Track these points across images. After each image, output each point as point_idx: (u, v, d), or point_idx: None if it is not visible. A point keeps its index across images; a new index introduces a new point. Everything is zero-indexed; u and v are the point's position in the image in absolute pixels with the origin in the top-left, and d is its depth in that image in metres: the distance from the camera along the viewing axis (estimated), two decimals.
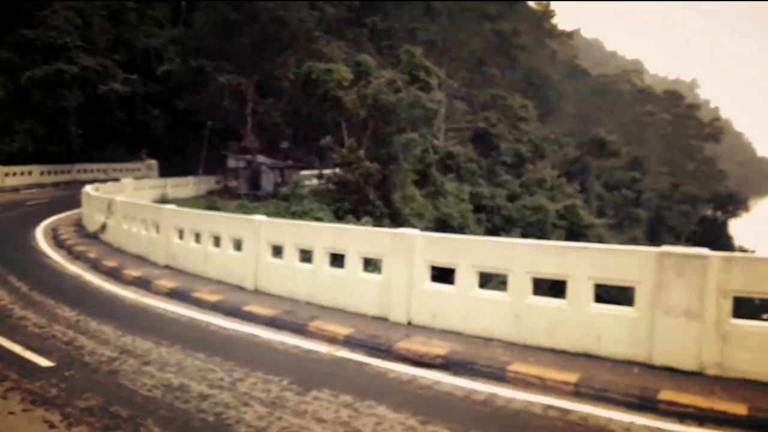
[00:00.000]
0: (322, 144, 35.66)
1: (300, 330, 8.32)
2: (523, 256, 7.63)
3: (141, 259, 13.79)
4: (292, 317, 8.79)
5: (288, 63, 40.48)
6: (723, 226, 75.96)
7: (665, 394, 5.72)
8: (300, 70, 37.50)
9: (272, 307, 9.35)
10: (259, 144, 39.15)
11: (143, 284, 11.39)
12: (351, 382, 6.45)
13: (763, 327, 6.47)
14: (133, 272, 12.18)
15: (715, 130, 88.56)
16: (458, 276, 8.05)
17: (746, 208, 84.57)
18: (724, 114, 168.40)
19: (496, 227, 42.59)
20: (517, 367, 6.55)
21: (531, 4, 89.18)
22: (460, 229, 34.93)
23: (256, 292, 10.50)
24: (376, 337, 7.79)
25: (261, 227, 10.68)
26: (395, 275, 8.58)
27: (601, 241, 42.04)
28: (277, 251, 10.51)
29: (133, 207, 15.77)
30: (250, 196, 35.73)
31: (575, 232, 43.57)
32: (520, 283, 7.50)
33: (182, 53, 40.42)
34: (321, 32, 43.46)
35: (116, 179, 30.68)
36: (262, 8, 37.57)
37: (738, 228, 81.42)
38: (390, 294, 8.62)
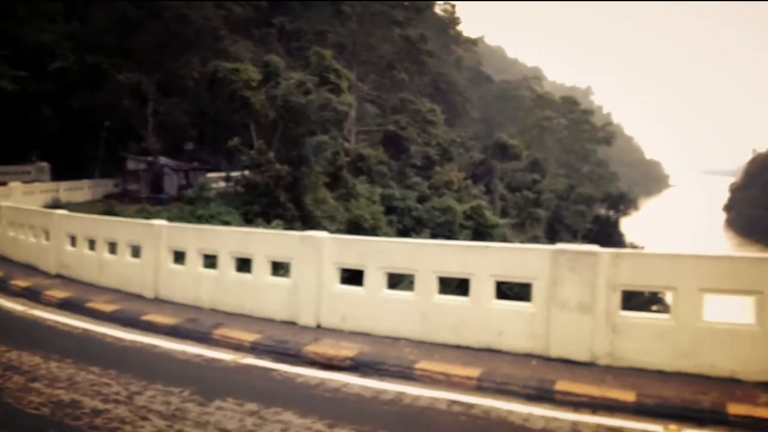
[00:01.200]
0: (230, 145, 34.86)
1: (204, 338, 8.04)
2: (429, 256, 7.77)
3: (30, 268, 12.89)
4: (196, 325, 8.48)
5: (192, 62, 39.19)
6: (615, 224, 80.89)
7: (561, 385, 6.00)
8: (205, 69, 36.47)
9: (174, 315, 8.97)
10: (161, 145, 37.62)
11: (32, 295, 10.61)
12: (257, 389, 6.30)
13: (647, 318, 6.94)
14: (20, 282, 11.33)
15: (607, 134, 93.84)
16: (367, 277, 8.07)
17: (636, 207, 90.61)
18: (615, 119, 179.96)
19: (407, 228, 43.29)
20: (424, 364, 6.65)
21: (437, 11, 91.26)
22: (372, 231, 35.20)
23: (157, 301, 10.05)
24: (284, 342, 7.67)
25: (161, 232, 10.23)
26: (304, 278, 8.49)
27: (504, 240, 43.81)
28: (180, 257, 10.10)
29: (21, 212, 14.73)
30: (151, 199, 34.24)
31: (481, 231, 45.08)
32: (427, 283, 7.63)
33: (77, 50, 38.01)
34: (227, 31, 42.41)
35: (3, 183, 28.52)
36: (165, 6, 36.10)
37: (629, 225, 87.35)
38: (299, 297, 8.52)
